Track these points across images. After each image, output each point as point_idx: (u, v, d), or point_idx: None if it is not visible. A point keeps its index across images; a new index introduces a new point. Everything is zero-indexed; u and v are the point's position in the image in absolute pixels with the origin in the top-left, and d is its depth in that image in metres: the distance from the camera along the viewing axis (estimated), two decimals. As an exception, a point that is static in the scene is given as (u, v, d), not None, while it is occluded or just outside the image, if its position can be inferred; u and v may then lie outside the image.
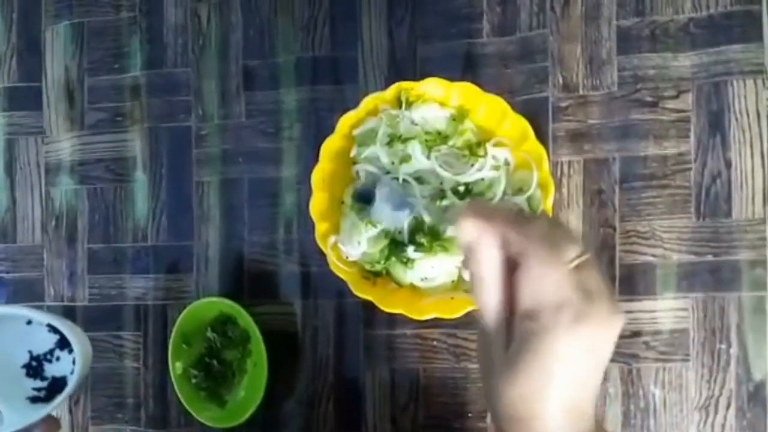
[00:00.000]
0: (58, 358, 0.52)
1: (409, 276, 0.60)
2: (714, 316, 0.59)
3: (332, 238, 0.61)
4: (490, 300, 0.34)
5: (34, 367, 0.52)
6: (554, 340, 0.31)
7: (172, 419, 0.69)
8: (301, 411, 0.66)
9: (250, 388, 0.65)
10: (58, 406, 0.51)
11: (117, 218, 0.71)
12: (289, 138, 0.67)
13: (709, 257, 0.59)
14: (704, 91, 0.60)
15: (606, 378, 0.61)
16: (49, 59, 0.73)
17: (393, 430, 0.65)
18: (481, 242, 0.35)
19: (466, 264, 0.36)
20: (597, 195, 0.61)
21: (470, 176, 0.59)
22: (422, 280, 0.60)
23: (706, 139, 0.59)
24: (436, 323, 0.60)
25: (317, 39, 0.67)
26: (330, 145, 0.61)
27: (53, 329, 0.50)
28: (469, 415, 0.63)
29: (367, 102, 0.60)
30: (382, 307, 0.59)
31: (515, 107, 0.59)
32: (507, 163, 0.60)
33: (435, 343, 0.64)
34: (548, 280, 0.32)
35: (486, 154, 0.59)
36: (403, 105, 0.60)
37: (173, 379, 0.66)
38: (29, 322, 0.51)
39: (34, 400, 0.52)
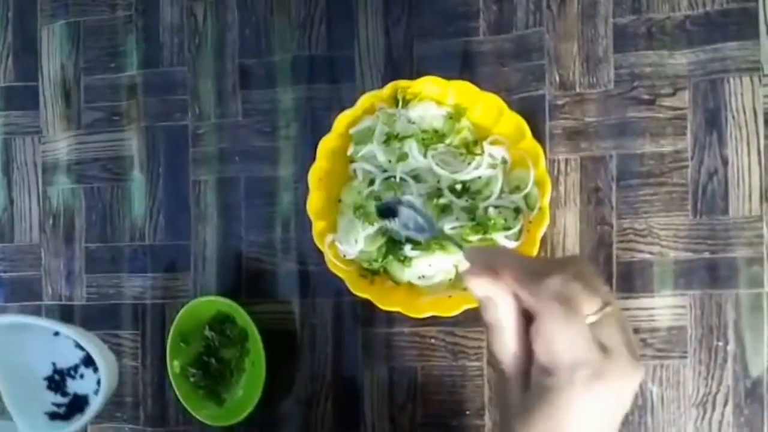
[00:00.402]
0: (82, 375, 0.49)
1: (406, 274, 0.60)
2: (711, 313, 0.59)
3: (329, 237, 0.61)
4: (507, 349, 0.34)
5: (57, 381, 0.49)
6: (570, 397, 0.31)
7: (170, 418, 0.69)
8: (299, 410, 0.67)
9: (249, 387, 0.66)
10: (79, 429, 0.47)
11: (114, 217, 0.71)
12: (286, 137, 0.67)
13: (706, 254, 0.59)
14: (701, 88, 0.60)
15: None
16: (45, 58, 0.73)
17: (391, 429, 0.65)
18: (494, 297, 0.34)
19: (482, 311, 0.36)
20: (594, 193, 0.61)
21: (467, 174, 0.59)
22: (420, 278, 0.60)
23: (703, 136, 0.59)
24: (433, 321, 0.60)
25: (314, 37, 0.67)
26: (327, 144, 0.61)
27: (80, 345, 0.48)
28: (467, 412, 0.63)
29: (364, 100, 0.60)
30: (380, 306, 0.59)
31: (512, 105, 0.59)
32: (504, 161, 0.60)
33: (433, 341, 0.64)
34: (563, 338, 0.32)
35: (483, 152, 0.59)
36: (400, 103, 0.60)
37: (171, 378, 0.66)
38: (56, 333, 0.48)
39: (53, 416, 0.49)
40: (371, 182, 0.60)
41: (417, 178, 0.60)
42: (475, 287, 0.35)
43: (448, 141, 0.60)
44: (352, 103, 0.60)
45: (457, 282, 0.60)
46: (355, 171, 0.62)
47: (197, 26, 0.69)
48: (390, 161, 0.60)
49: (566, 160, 0.62)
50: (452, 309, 0.58)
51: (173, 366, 0.66)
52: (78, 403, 0.49)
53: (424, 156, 0.59)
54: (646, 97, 0.60)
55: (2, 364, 0.50)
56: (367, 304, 0.60)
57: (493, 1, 0.63)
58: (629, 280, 0.60)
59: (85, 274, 0.71)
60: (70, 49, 0.72)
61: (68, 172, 0.72)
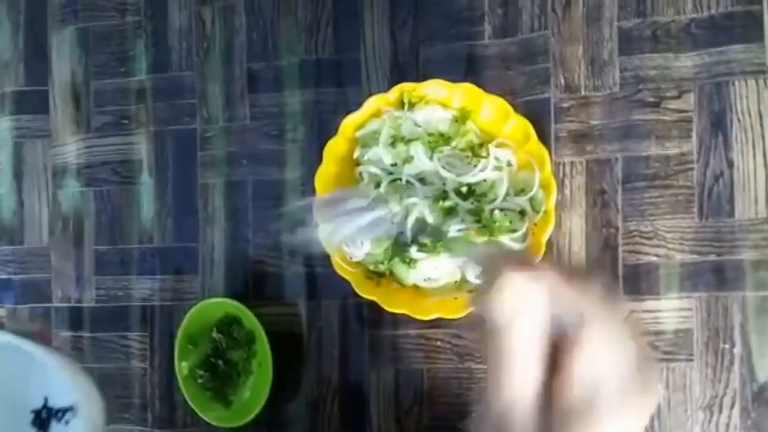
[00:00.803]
0: (67, 422, 0.45)
1: (412, 276, 0.60)
2: (717, 315, 0.59)
3: (336, 239, 0.61)
4: (529, 371, 0.28)
5: (42, 419, 0.45)
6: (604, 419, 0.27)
7: (178, 419, 0.70)
8: (306, 412, 0.67)
9: (256, 389, 0.66)
10: None
11: (123, 220, 0.72)
12: (293, 140, 0.68)
13: (712, 257, 0.59)
14: (706, 91, 0.60)
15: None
16: (56, 63, 0.74)
17: (398, 431, 0.65)
18: (526, 305, 0.28)
19: (499, 328, 0.28)
20: (599, 195, 0.61)
21: (473, 177, 0.59)
22: (425, 280, 0.60)
23: (708, 139, 0.59)
24: (439, 323, 0.60)
25: (320, 41, 0.67)
26: (333, 147, 0.61)
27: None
28: (473, 415, 0.63)
29: (370, 104, 0.60)
30: (386, 308, 0.60)
31: (517, 108, 0.59)
32: (509, 164, 0.60)
33: (439, 343, 0.64)
34: (617, 349, 0.27)
35: (488, 155, 0.59)
36: (406, 107, 0.60)
37: (179, 380, 0.66)
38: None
39: None
40: (377, 185, 0.60)
41: (423, 180, 0.60)
42: (513, 283, 0.28)
43: (453, 144, 0.60)
44: (358, 107, 0.60)
45: (462, 284, 0.60)
46: (361, 174, 0.62)
47: (205, 31, 0.70)
48: (396, 164, 0.60)
49: (572, 163, 0.62)
50: (458, 311, 0.58)
51: (181, 368, 0.66)
52: None
53: (430, 159, 0.59)
54: (651, 99, 0.61)
55: None
56: (374, 306, 0.60)
57: (498, 5, 0.64)
58: (635, 282, 0.60)
59: (94, 276, 0.72)
60: (80, 54, 0.73)
61: (78, 176, 0.73)
